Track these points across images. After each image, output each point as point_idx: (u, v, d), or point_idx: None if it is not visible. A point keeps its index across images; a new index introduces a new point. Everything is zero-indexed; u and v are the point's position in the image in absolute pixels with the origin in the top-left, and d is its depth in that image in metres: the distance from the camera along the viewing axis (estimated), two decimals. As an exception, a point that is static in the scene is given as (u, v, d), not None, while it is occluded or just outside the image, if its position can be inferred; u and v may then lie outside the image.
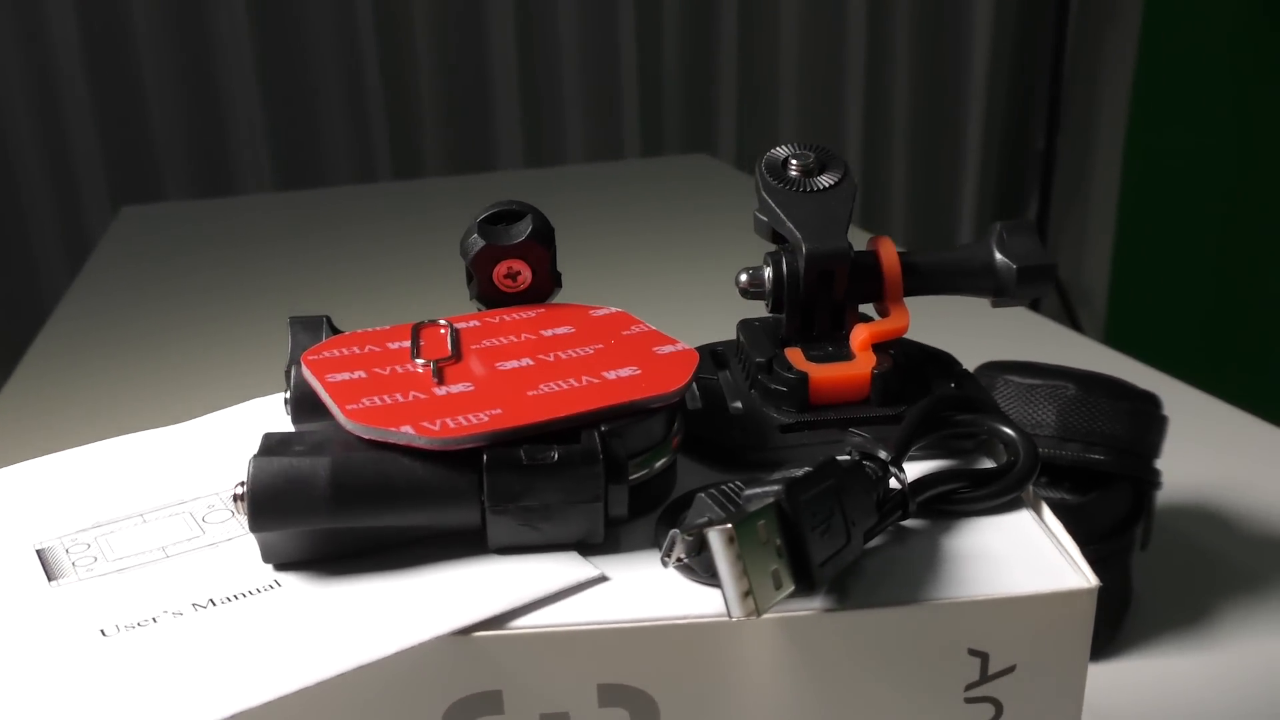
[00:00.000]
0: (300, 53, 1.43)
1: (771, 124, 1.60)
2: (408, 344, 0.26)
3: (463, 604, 0.21)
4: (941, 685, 0.21)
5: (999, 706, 0.21)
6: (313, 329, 0.29)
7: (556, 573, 0.21)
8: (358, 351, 0.26)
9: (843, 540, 0.20)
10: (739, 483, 0.21)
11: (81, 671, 0.19)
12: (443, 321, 0.27)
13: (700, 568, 0.20)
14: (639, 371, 0.24)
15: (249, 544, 0.23)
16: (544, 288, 0.29)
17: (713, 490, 0.20)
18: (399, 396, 0.23)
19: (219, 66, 1.40)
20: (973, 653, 0.21)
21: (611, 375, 0.24)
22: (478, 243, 0.28)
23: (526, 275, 0.29)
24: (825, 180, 0.28)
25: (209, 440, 0.28)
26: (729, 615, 0.18)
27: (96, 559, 0.23)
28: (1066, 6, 1.53)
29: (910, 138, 1.64)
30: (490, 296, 0.29)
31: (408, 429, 0.22)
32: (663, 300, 0.74)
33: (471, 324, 0.27)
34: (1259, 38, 1.49)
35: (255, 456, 0.21)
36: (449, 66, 1.48)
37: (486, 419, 0.22)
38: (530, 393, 0.23)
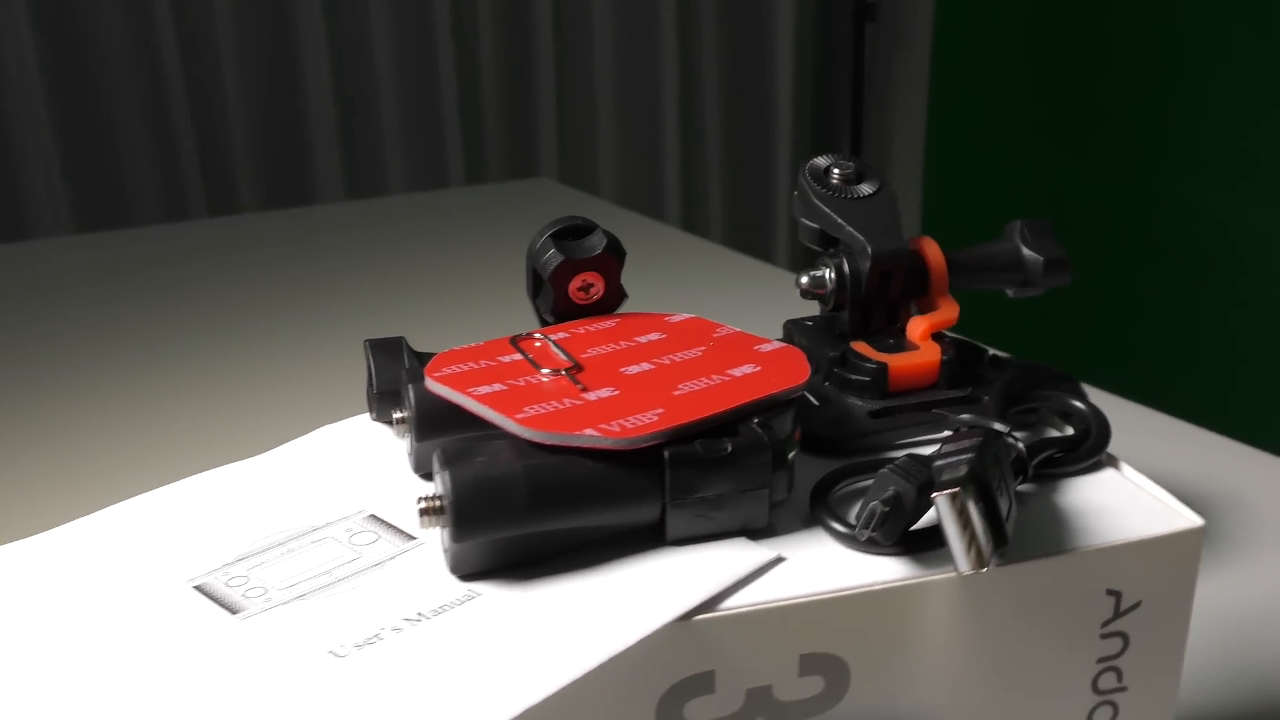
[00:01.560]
0: (97, 85, 1.35)
1: (590, 146, 1.63)
2: (516, 356, 0.27)
3: (675, 593, 0.22)
4: (1083, 624, 0.24)
5: (1126, 639, 0.24)
6: (393, 352, 0.29)
7: (743, 557, 0.23)
8: (476, 366, 0.26)
9: (1009, 501, 0.22)
10: (908, 458, 0.23)
11: (341, 690, 0.19)
12: (538, 334, 0.28)
13: (884, 537, 0.22)
14: (759, 368, 0.26)
15: (414, 560, 0.23)
16: (614, 299, 0.30)
17: (891, 466, 0.22)
18: (555, 404, 0.24)
19: (5, 101, 1.31)
20: (1109, 593, 0.24)
21: (738, 373, 0.26)
22: (556, 257, 0.29)
23: (600, 287, 0.30)
24: (866, 188, 0.31)
25: (298, 469, 0.28)
26: (959, 571, 0.20)
27: (266, 590, 0.22)
28: (862, 35, 1.64)
29: (724, 163, 1.71)
30: (564, 309, 0.30)
31: (591, 432, 0.23)
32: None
33: (562, 335, 0.28)
34: (1041, 49, 1.64)
35: (450, 468, 0.22)
36: (261, 97, 1.43)
37: (655, 418, 0.23)
38: (675, 393, 0.25)
